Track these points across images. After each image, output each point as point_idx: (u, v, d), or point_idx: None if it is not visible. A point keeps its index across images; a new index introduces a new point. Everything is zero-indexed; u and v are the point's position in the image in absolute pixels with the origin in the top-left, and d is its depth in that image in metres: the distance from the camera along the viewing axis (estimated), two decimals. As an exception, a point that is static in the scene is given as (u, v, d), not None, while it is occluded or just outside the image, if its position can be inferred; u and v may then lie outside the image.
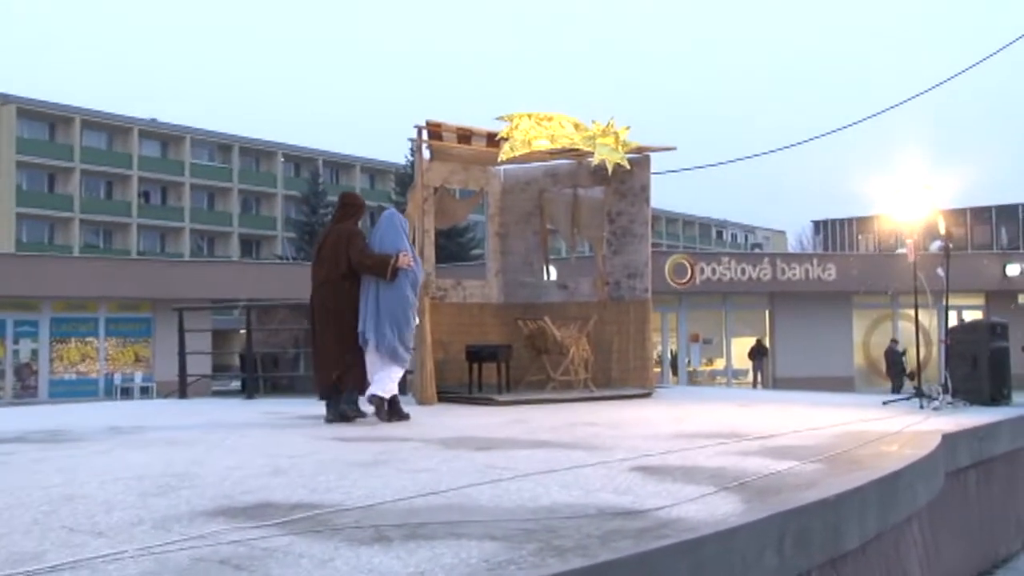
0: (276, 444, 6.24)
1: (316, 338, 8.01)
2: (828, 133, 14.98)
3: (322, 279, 7.99)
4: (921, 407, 9.00)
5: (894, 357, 27.57)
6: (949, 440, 6.74)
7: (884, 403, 9.57)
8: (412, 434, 6.80)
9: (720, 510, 3.73)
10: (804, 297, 31.01)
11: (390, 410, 7.82)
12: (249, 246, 66.91)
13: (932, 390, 9.41)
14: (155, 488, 4.28)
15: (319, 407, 8.06)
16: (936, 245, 10.90)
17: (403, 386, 10.26)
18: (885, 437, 6.50)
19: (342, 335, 7.81)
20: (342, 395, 7.86)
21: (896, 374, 27.00)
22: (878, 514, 4.64)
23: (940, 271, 9.96)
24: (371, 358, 7.83)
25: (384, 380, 7.77)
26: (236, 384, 33.10)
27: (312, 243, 56.44)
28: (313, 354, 8.10)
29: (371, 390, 7.74)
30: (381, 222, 8.15)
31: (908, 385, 8.79)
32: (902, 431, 6.94)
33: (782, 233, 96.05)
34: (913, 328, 11.11)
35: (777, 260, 31.54)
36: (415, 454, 5.60)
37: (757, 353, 31.31)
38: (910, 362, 25.92)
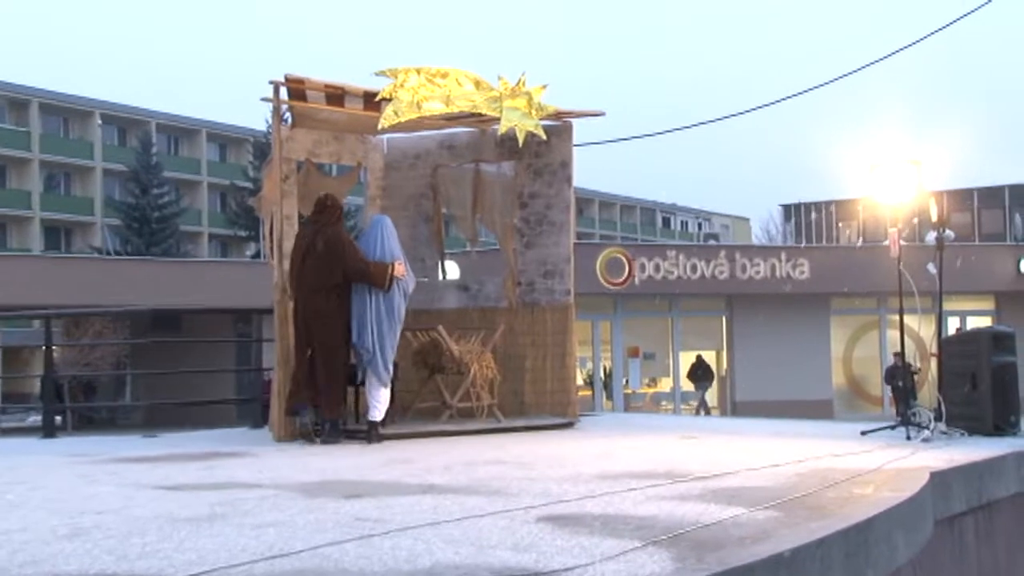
0: (79, 497, 6.14)
1: (301, 349, 9.64)
2: (794, 95, 15.30)
3: (313, 286, 9.56)
4: (908, 438, 9.23)
5: (897, 374, 25.40)
6: (940, 479, 6.93)
7: (863, 433, 9.79)
8: (262, 479, 6.79)
9: (645, 570, 3.79)
10: (770, 300, 31.50)
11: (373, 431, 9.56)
12: (56, 235, 65.38)
13: (922, 417, 9.64)
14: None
15: (144, 446, 7.98)
16: (931, 236, 11.19)
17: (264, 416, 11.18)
18: (859, 476, 6.67)
19: (333, 348, 9.51)
20: (320, 415, 9.58)
21: (905, 397, 24.27)
22: (846, 573, 4.75)
23: (932, 267, 10.22)
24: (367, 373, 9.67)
25: (378, 404, 9.58)
26: (37, 419, 32.29)
27: (143, 231, 55.70)
28: (297, 365, 9.67)
29: (372, 416, 9.57)
30: (372, 228, 9.90)
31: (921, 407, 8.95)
32: (881, 468, 7.13)
33: (745, 220, 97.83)
34: (908, 338, 11.37)
35: (737, 254, 31.93)
36: (263, 505, 5.58)
37: (698, 374, 31.61)
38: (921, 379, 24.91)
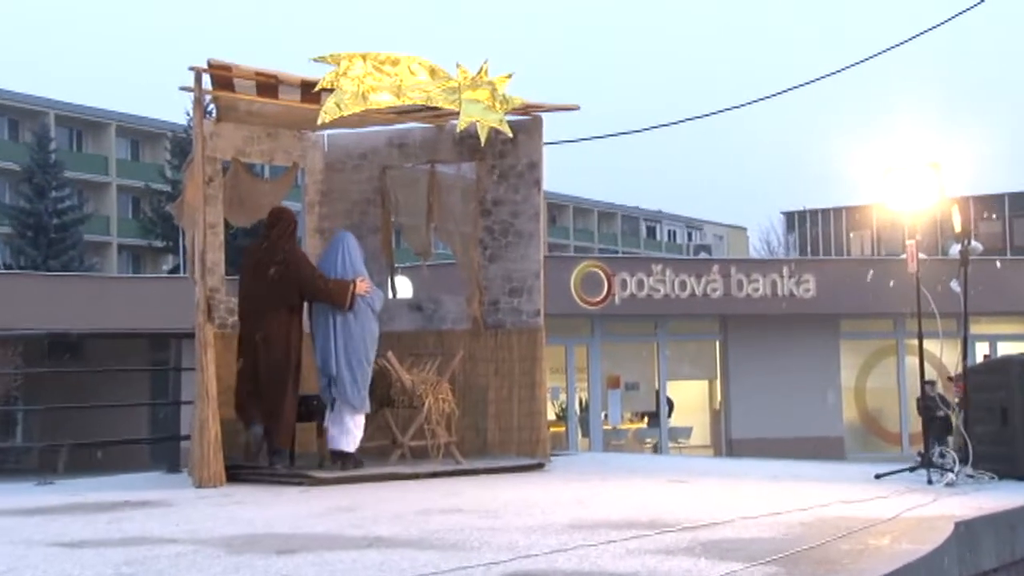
0: (-40, 556, 6.07)
1: (248, 372, 10.23)
2: (796, 87, 15.42)
3: (265, 307, 10.22)
4: (930, 482, 9.31)
5: (930, 405, 24.61)
6: (966, 530, 6.98)
7: (877, 477, 9.85)
8: (179, 533, 6.75)
9: (626, 637, 3.80)
10: (771, 322, 31.58)
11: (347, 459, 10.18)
12: (-63, 246, 64.90)
13: (945, 458, 9.70)
14: None
15: (38, 495, 7.91)
16: (955, 248, 11.28)
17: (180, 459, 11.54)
18: (874, 526, 6.72)
19: (283, 372, 10.16)
20: (271, 448, 10.13)
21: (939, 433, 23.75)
22: (858, 637, 4.77)
23: (955, 285, 10.29)
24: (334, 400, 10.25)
25: (349, 433, 10.19)
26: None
27: (39, 241, 55.30)
28: (242, 389, 10.28)
29: (336, 445, 10.16)
30: (334, 245, 10.62)
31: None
32: (899, 517, 7.18)
33: (741, 230, 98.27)
34: (929, 366, 11.37)
35: (732, 269, 31.95)
36: (180, 563, 5.56)
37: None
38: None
